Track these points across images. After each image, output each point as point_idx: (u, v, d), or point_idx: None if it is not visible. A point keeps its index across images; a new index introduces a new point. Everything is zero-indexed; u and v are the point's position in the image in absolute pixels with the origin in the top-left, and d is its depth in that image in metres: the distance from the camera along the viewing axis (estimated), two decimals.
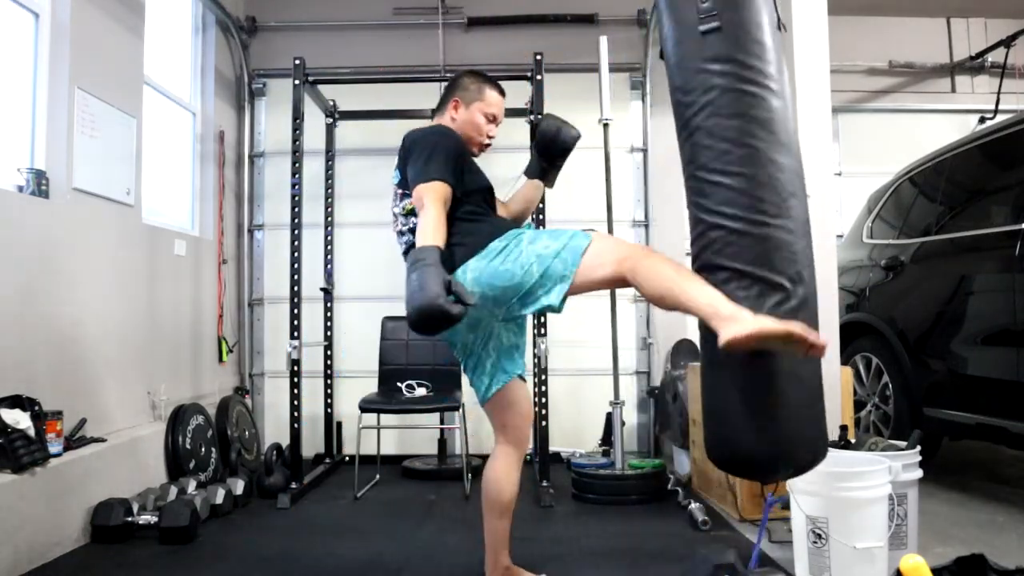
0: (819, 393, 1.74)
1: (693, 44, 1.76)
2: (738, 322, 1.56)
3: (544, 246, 1.91)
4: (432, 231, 1.85)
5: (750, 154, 1.69)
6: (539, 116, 3.73)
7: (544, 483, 3.47)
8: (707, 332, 1.67)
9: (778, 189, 1.70)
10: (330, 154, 4.46)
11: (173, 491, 3.11)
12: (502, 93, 2.30)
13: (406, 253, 2.10)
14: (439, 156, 2.00)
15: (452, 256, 1.94)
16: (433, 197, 1.91)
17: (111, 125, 3.31)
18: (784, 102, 1.76)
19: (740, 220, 1.67)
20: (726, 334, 1.55)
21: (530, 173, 2.36)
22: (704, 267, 1.74)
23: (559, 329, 4.36)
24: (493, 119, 2.26)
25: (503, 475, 2.14)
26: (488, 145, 2.28)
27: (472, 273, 1.94)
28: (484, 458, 4.12)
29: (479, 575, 2.34)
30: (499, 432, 2.19)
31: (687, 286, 1.69)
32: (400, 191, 2.13)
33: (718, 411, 1.78)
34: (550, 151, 2.30)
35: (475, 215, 2.07)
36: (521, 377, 2.17)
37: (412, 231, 2.07)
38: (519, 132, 4.36)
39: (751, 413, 1.68)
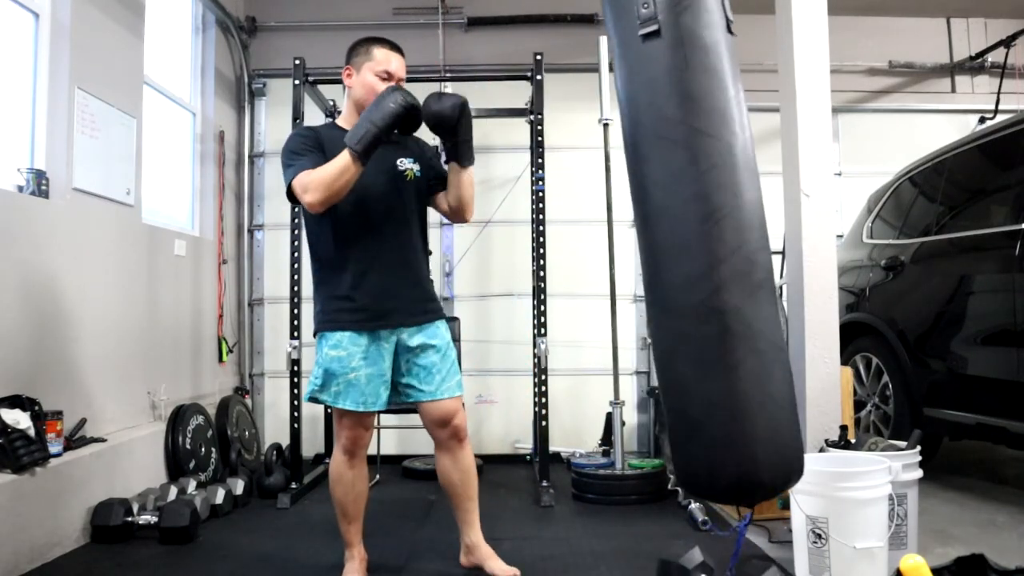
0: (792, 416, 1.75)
1: (635, 50, 1.74)
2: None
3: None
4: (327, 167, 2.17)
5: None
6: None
7: (544, 483, 3.47)
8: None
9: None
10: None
11: (173, 491, 3.11)
12: (395, 49, 2.22)
13: None
14: (292, 159, 2.29)
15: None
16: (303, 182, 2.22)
17: (111, 125, 3.31)
18: (730, 106, 1.73)
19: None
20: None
21: (446, 159, 2.29)
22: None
23: (559, 329, 4.37)
24: (387, 76, 2.19)
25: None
26: None
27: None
28: (484, 458, 4.11)
29: (479, 574, 2.34)
30: None
31: None
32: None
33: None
34: (440, 130, 2.17)
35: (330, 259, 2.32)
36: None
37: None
38: (519, 132, 4.37)
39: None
